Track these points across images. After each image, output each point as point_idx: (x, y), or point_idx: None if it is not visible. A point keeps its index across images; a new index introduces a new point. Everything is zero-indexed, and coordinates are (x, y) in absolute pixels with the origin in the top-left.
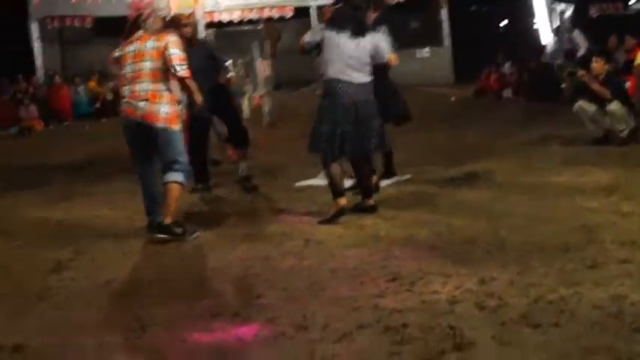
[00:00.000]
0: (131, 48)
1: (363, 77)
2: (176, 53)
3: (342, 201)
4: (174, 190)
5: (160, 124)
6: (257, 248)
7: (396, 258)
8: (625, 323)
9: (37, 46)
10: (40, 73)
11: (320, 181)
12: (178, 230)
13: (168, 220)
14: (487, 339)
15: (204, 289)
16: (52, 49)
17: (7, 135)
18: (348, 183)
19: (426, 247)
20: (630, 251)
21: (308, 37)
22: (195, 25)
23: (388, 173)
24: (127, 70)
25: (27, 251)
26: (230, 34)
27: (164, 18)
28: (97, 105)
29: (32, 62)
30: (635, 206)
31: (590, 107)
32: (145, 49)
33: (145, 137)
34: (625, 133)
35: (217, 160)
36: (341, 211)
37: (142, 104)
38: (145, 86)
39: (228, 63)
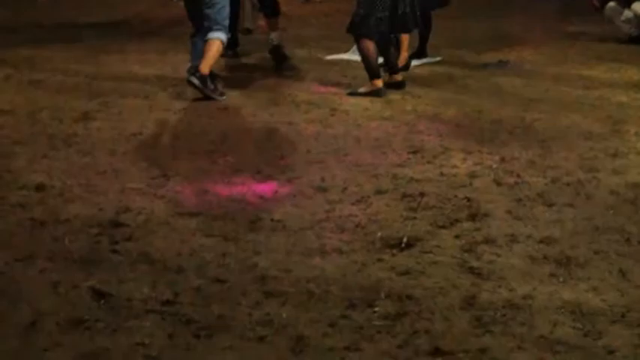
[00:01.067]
0: None
1: None
2: None
3: (379, 82)
4: (215, 45)
5: None
6: (283, 113)
7: (420, 132)
8: (639, 209)
9: None
10: None
11: (352, 55)
12: (211, 85)
13: (205, 71)
14: (502, 212)
15: (228, 147)
16: None
17: None
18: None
19: (451, 125)
20: None
21: None
22: None
23: (420, 53)
24: None
25: (55, 100)
26: None
27: None
28: None
29: None
30: None
31: (617, 8)
32: None
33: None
34: None
35: (249, 28)
36: (377, 92)
37: None
38: None
39: None
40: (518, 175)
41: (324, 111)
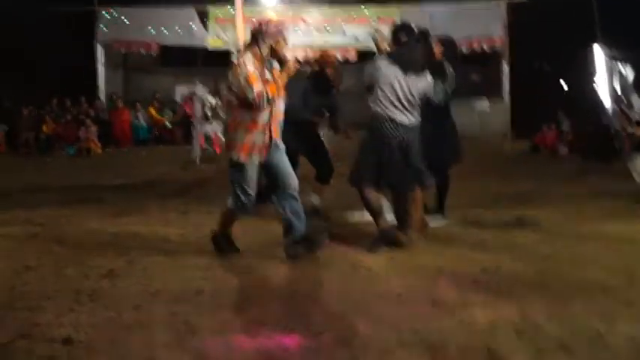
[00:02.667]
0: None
1: (414, 118)
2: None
3: (386, 225)
4: (223, 211)
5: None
6: (306, 270)
7: (440, 287)
8: None
9: (101, 69)
10: (102, 96)
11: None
12: (221, 241)
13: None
14: None
15: (252, 302)
16: (116, 74)
17: (65, 155)
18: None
19: (470, 280)
20: None
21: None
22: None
23: (440, 209)
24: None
25: (81, 258)
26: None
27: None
28: (156, 132)
29: (95, 85)
30: None
31: None
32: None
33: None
34: None
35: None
36: (386, 236)
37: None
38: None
39: None
40: (538, 326)
41: (346, 267)
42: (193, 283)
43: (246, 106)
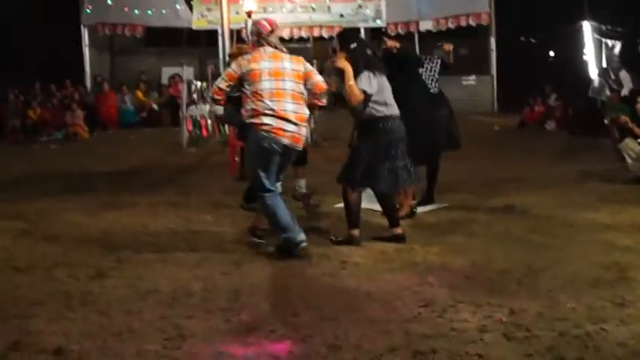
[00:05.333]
0: (265, 65)
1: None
2: (321, 80)
3: (355, 232)
4: None
5: (298, 148)
6: (294, 266)
7: (430, 285)
8: None
9: (87, 52)
10: (88, 79)
11: (365, 204)
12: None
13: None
14: None
15: (241, 304)
16: (102, 57)
17: (52, 140)
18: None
19: (461, 276)
20: None
21: (367, 87)
22: None
23: (427, 199)
24: (265, 86)
25: (70, 257)
26: None
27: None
28: (143, 114)
29: (82, 68)
30: None
31: (635, 146)
32: (284, 68)
33: (285, 156)
34: None
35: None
36: (350, 241)
37: (290, 127)
38: (291, 107)
39: None
40: (527, 329)
41: (335, 263)
42: (183, 283)
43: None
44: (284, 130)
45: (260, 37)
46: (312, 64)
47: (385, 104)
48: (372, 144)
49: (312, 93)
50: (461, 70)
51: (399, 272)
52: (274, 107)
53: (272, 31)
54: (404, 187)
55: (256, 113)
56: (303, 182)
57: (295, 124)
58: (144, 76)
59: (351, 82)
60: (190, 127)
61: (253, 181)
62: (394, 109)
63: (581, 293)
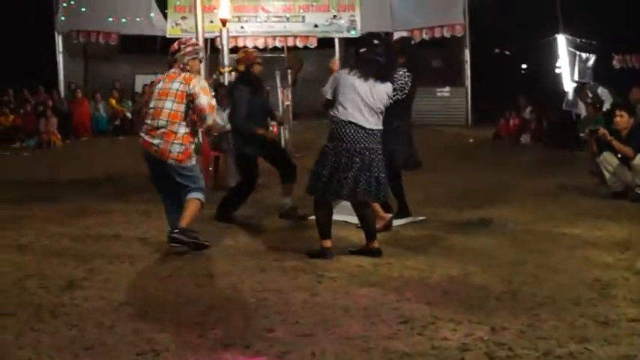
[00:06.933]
0: (159, 85)
1: (374, 124)
2: (206, 102)
3: (327, 243)
4: (195, 204)
5: (170, 161)
6: (270, 280)
7: (409, 300)
8: None
9: (60, 59)
10: (62, 86)
11: (340, 217)
12: (192, 234)
13: (183, 225)
14: None
15: (216, 318)
16: (76, 64)
17: (25, 147)
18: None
19: (439, 291)
20: None
21: (325, 88)
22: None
23: (402, 213)
24: (151, 105)
25: (41, 267)
26: None
27: (200, 60)
28: (117, 122)
29: (55, 75)
30: None
31: (613, 160)
32: (170, 89)
33: (161, 167)
34: None
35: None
36: (322, 253)
37: (156, 141)
38: (162, 124)
39: None
40: (510, 349)
41: (311, 277)
42: (156, 294)
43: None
44: (151, 144)
45: (170, 56)
46: (286, 74)
47: (352, 110)
48: (337, 149)
49: (196, 113)
50: (435, 82)
51: (377, 287)
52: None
53: (177, 50)
54: (364, 198)
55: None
56: (289, 200)
57: (160, 139)
58: (118, 83)
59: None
60: None
61: None
62: (362, 119)
63: (562, 311)
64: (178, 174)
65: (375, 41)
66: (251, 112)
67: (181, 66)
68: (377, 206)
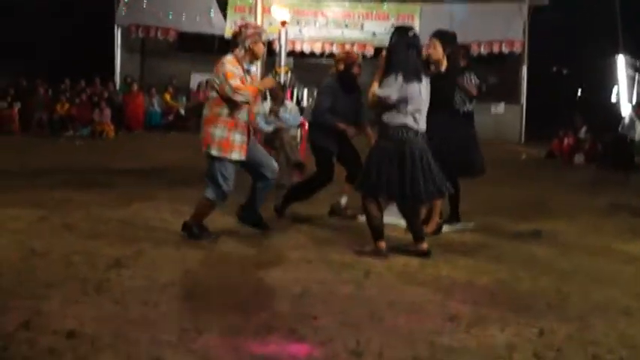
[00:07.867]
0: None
1: (423, 125)
2: (222, 82)
3: (382, 244)
4: (201, 203)
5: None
6: (316, 272)
7: (456, 299)
8: None
9: (118, 52)
10: (117, 79)
11: (389, 218)
12: (195, 230)
13: (190, 222)
14: None
15: (261, 303)
16: (133, 58)
17: (78, 136)
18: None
19: (487, 293)
20: None
21: (388, 92)
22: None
23: (453, 218)
24: None
25: (88, 246)
26: (307, 65)
27: (264, 43)
28: (170, 118)
29: (112, 67)
30: None
31: None
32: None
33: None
34: None
35: (283, 184)
36: (377, 253)
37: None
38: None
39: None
40: (558, 350)
41: (357, 272)
42: (202, 278)
43: (225, 101)
44: None
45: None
46: None
47: (407, 114)
48: (383, 150)
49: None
50: (490, 98)
51: (424, 285)
52: None
53: (239, 34)
54: (421, 200)
55: None
56: (345, 198)
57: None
58: (174, 80)
59: (375, 83)
60: None
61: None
62: (414, 122)
63: (612, 320)
64: (208, 164)
65: (410, 33)
66: (342, 111)
67: (243, 50)
68: (437, 206)
